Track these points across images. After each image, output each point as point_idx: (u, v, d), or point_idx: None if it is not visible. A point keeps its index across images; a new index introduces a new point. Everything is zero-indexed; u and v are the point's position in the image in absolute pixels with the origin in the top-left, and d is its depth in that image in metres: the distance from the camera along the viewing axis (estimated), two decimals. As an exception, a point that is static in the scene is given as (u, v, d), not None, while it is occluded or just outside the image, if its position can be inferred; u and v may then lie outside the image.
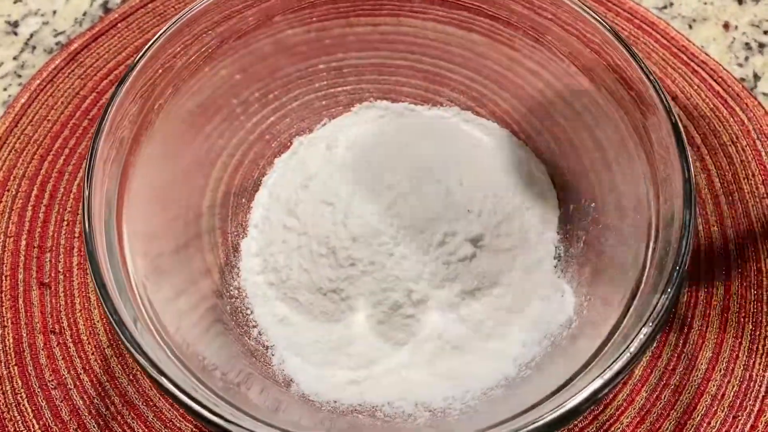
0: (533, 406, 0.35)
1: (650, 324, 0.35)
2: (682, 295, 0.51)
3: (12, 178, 0.57)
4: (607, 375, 0.34)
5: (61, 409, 0.48)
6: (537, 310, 0.46)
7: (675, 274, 0.35)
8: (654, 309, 0.35)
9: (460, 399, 0.43)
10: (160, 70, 0.48)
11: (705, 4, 0.66)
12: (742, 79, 0.61)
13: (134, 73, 0.45)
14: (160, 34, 0.47)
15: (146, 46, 0.46)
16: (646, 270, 0.38)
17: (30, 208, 0.56)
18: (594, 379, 0.34)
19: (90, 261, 0.36)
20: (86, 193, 0.39)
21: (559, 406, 0.33)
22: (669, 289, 0.35)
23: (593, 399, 0.33)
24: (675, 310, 0.50)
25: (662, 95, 0.40)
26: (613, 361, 0.34)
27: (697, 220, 0.54)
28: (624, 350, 0.34)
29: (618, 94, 0.45)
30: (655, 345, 0.49)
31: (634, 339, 0.34)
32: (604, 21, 0.44)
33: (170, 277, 0.45)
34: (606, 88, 0.46)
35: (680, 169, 0.38)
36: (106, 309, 0.35)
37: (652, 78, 0.41)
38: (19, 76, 0.64)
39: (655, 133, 0.41)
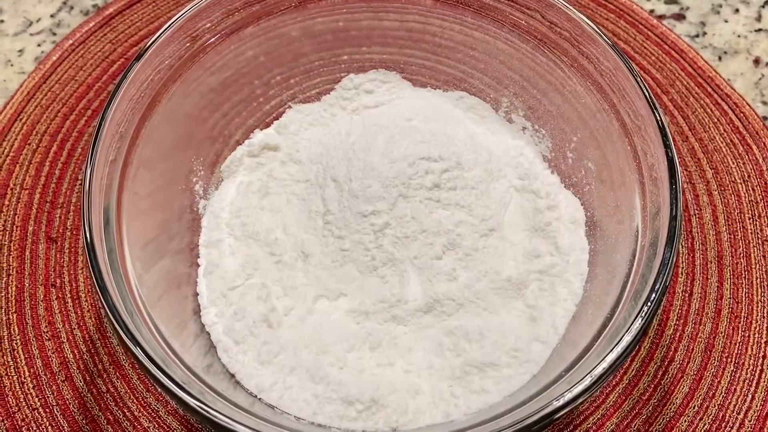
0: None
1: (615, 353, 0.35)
2: (668, 327, 0.51)
3: (35, 132, 0.59)
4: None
5: (51, 360, 0.50)
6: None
7: (647, 309, 0.36)
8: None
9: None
10: (188, 42, 0.49)
11: (738, 37, 0.65)
12: (765, 118, 0.61)
13: (161, 40, 0.47)
14: (194, 5, 0.48)
15: (177, 15, 0.48)
16: (621, 303, 0.38)
17: (48, 163, 0.58)
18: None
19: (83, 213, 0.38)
20: (91, 153, 0.41)
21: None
22: (637, 323, 0.35)
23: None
24: (659, 341, 0.51)
25: (664, 131, 0.41)
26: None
27: (696, 254, 0.54)
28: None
29: (624, 121, 0.45)
30: (633, 374, 0.50)
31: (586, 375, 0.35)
32: (618, 50, 0.44)
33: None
34: (615, 115, 0.46)
35: (669, 205, 0.38)
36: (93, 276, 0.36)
37: (657, 114, 0.41)
38: (54, 34, 0.66)
39: (652, 167, 0.41)
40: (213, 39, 0.51)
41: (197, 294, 0.47)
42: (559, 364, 0.39)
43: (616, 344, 0.35)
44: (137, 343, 0.34)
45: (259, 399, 0.42)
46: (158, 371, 0.34)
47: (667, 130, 0.41)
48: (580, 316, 0.44)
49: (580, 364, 0.37)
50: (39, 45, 0.65)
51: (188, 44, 0.49)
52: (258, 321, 0.44)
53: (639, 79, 0.43)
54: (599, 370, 0.34)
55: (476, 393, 0.42)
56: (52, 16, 0.67)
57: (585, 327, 0.41)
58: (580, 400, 0.33)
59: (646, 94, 0.42)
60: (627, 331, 0.35)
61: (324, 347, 0.44)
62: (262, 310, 0.45)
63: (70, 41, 0.63)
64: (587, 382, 0.34)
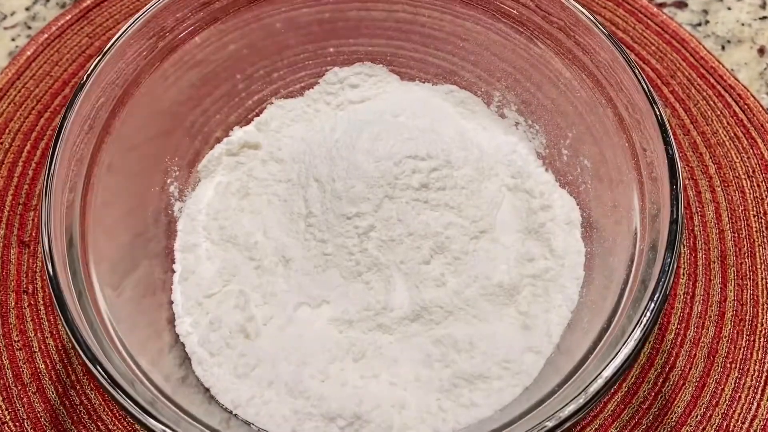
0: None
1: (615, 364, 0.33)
2: (670, 331, 0.49)
3: (7, 131, 0.56)
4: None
5: (23, 371, 0.48)
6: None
7: (645, 320, 0.33)
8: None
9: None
10: (166, 33, 0.47)
11: (742, 25, 0.62)
12: (770, 110, 0.58)
13: (132, 30, 0.44)
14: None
15: (151, 3, 0.45)
16: (620, 310, 0.36)
17: (21, 164, 0.55)
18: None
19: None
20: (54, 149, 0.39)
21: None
22: (636, 333, 0.33)
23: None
24: (659, 346, 0.48)
25: (663, 127, 0.38)
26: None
27: (698, 254, 0.51)
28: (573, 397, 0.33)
29: (622, 116, 0.42)
30: (632, 381, 0.47)
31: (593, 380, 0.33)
32: (615, 41, 0.42)
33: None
34: (612, 109, 0.43)
35: (669, 207, 0.36)
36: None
37: (656, 108, 0.39)
38: (29, 27, 0.63)
39: (651, 165, 0.39)
40: (190, 30, 0.48)
41: (172, 302, 0.45)
42: (553, 376, 0.37)
43: (613, 358, 0.33)
44: (96, 361, 0.32)
45: (235, 415, 0.40)
46: (117, 391, 0.31)
47: (667, 125, 0.38)
48: (575, 323, 0.42)
49: (576, 377, 0.35)
50: (13, 39, 0.62)
51: (164, 35, 0.47)
52: (235, 331, 0.42)
53: (637, 72, 0.40)
54: (594, 387, 0.32)
55: (465, 407, 0.40)
56: (27, 9, 0.64)
57: (581, 335, 0.39)
58: (574, 419, 0.31)
59: (645, 87, 0.39)
60: (625, 342, 0.33)
61: (304, 358, 0.42)
62: (239, 320, 0.42)
63: (46, 35, 0.61)
64: (581, 400, 0.31)
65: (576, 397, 0.32)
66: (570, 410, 0.31)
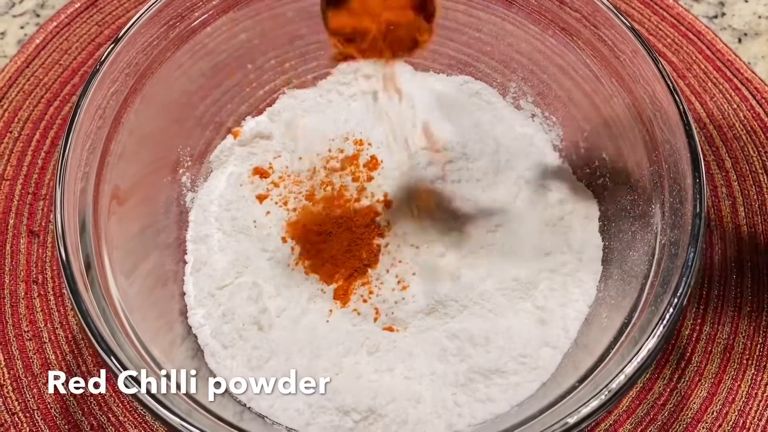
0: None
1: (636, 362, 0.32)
2: (685, 327, 0.48)
3: (17, 120, 0.56)
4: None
5: (33, 361, 0.47)
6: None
7: (668, 316, 0.33)
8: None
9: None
10: (175, 22, 0.46)
11: (759, 17, 0.61)
12: (787, 104, 0.57)
13: (144, 19, 0.43)
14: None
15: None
16: (640, 306, 0.35)
17: (30, 153, 0.55)
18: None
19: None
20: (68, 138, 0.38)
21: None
22: (660, 330, 0.33)
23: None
24: (675, 342, 0.48)
25: (686, 119, 0.37)
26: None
27: (714, 249, 0.51)
28: (601, 390, 0.32)
29: (642, 109, 0.42)
30: (647, 376, 0.47)
31: (613, 379, 0.32)
32: (636, 32, 0.41)
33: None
34: (632, 101, 0.43)
35: (692, 200, 0.35)
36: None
37: (679, 101, 0.38)
38: (38, 15, 0.62)
39: (672, 157, 0.38)
40: (202, 19, 0.48)
41: (184, 293, 0.44)
42: (571, 373, 0.37)
43: (636, 354, 0.32)
44: (110, 352, 0.31)
45: (249, 408, 0.39)
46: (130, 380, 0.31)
47: (690, 119, 0.37)
48: (593, 318, 0.41)
49: (596, 373, 0.34)
50: (22, 27, 0.62)
51: (175, 24, 0.46)
52: (248, 323, 0.41)
53: (660, 65, 0.39)
54: (616, 384, 0.31)
55: (481, 402, 0.39)
56: (36, -4, 0.63)
57: (599, 331, 0.38)
58: (596, 416, 0.31)
59: (668, 80, 0.39)
60: (648, 338, 0.32)
61: (318, 351, 0.41)
62: (252, 312, 0.42)
63: (55, 23, 0.60)
64: (603, 397, 0.31)
65: (598, 393, 0.31)
66: (592, 407, 0.31)
